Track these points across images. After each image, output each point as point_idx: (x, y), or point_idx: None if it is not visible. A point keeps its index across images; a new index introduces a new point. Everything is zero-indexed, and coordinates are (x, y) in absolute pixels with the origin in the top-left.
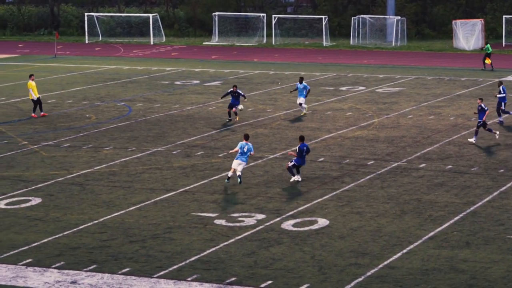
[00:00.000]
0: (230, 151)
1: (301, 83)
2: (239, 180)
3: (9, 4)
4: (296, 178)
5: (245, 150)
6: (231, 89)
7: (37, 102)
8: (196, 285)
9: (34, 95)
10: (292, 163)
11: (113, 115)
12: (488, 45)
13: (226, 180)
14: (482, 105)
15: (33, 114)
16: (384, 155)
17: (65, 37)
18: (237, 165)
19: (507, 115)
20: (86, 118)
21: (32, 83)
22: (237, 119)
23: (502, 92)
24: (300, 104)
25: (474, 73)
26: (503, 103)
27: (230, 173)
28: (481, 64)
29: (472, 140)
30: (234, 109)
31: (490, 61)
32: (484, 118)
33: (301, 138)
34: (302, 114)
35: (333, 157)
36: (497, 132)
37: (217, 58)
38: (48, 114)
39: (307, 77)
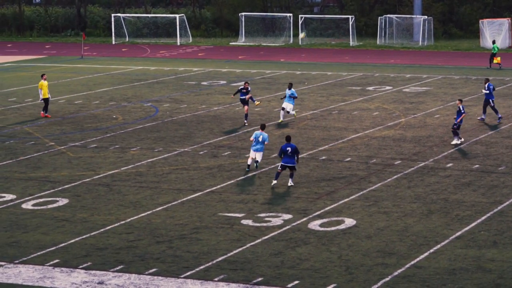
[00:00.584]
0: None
1: (289, 89)
2: (256, 164)
3: (36, 5)
4: (275, 182)
5: (260, 139)
6: (242, 87)
7: (46, 102)
8: (223, 285)
9: (42, 95)
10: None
11: (139, 116)
12: (495, 45)
13: (246, 169)
14: (461, 106)
15: (45, 114)
16: (411, 155)
17: (91, 38)
18: (254, 155)
19: (497, 115)
20: (113, 119)
21: (44, 83)
22: (257, 103)
23: (486, 89)
24: (286, 111)
25: (500, 72)
26: (491, 100)
27: (249, 161)
28: (507, 63)
29: (455, 142)
30: (246, 107)
31: (498, 59)
32: (458, 120)
33: (287, 138)
34: (280, 121)
35: (360, 157)
36: (462, 139)
37: (244, 58)
38: (75, 115)
39: (334, 77)
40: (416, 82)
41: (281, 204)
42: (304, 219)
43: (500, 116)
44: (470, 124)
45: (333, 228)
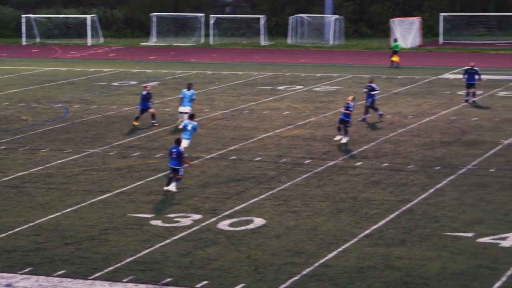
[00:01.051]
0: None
1: (188, 89)
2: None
3: None
4: (170, 188)
5: (189, 128)
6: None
7: None
8: (131, 286)
9: None
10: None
11: (49, 117)
12: (397, 43)
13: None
14: (350, 103)
15: None
16: (320, 154)
17: (1, 39)
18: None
19: (378, 113)
20: (23, 120)
21: None
22: (155, 123)
23: (367, 89)
24: (184, 113)
25: (411, 71)
26: (371, 100)
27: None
28: (417, 62)
29: (339, 138)
30: (150, 110)
31: (398, 58)
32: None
33: (176, 141)
34: (178, 124)
35: (270, 157)
36: (343, 139)
37: (155, 58)
38: None
39: (245, 77)
40: (326, 81)
41: (190, 204)
42: (214, 219)
43: (365, 118)
44: (379, 123)
45: (242, 228)
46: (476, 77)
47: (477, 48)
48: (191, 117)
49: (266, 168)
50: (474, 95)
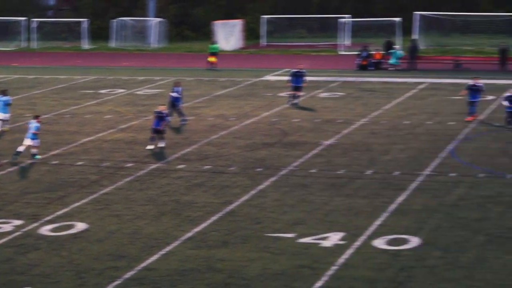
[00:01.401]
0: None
1: (4, 95)
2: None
3: None
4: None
5: (32, 127)
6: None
7: None
8: None
9: None
10: None
11: None
12: (216, 45)
13: (13, 156)
14: (164, 112)
15: None
16: (143, 157)
17: None
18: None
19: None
20: None
21: None
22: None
23: (175, 92)
24: (4, 120)
25: (233, 73)
26: (177, 103)
27: (21, 148)
28: (233, 64)
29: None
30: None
31: (215, 59)
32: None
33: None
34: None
35: (92, 161)
36: (160, 143)
37: None
38: None
39: (67, 81)
40: (148, 84)
41: (11, 210)
42: (35, 224)
43: (185, 119)
44: (201, 125)
45: (64, 233)
46: (303, 79)
47: (299, 50)
48: (35, 117)
49: (88, 172)
50: (297, 97)
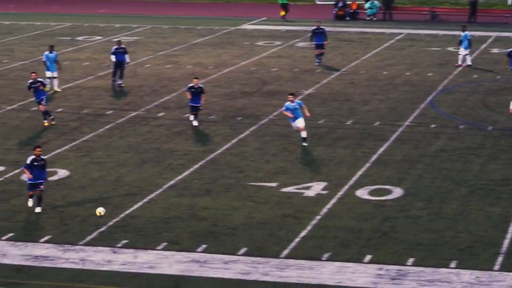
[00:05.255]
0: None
1: (51, 51)
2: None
3: None
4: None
5: (297, 106)
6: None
7: None
8: None
9: None
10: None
11: None
12: None
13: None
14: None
15: None
16: (122, 105)
17: None
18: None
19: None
20: None
21: None
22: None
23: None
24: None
25: (209, 21)
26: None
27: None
28: (215, 13)
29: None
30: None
31: (284, 12)
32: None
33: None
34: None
35: (71, 108)
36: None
37: None
38: None
39: (43, 27)
40: (126, 31)
41: None
42: (17, 171)
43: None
44: (180, 73)
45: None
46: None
47: None
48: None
49: (68, 119)
50: (321, 55)
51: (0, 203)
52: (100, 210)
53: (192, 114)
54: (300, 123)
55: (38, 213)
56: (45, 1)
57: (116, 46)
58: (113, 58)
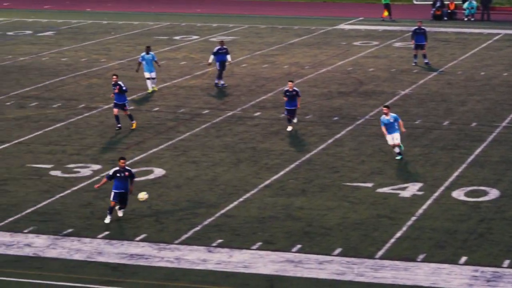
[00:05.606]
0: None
1: (148, 52)
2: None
3: None
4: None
5: (392, 120)
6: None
7: None
8: (32, 237)
9: None
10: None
11: None
12: None
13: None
14: (296, 89)
15: None
16: (219, 104)
17: None
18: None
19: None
20: None
21: None
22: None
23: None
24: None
25: (306, 21)
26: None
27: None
28: (312, 13)
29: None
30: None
31: (386, 12)
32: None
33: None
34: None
35: (168, 107)
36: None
37: (50, 8)
38: None
39: (141, 27)
40: (222, 31)
41: (89, 154)
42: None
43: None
44: (277, 73)
45: (142, 178)
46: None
47: None
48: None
49: (164, 119)
50: (425, 56)
51: (97, 201)
52: (144, 196)
53: (287, 118)
54: (395, 138)
55: (132, 210)
56: (143, 1)
57: (218, 46)
58: (211, 58)
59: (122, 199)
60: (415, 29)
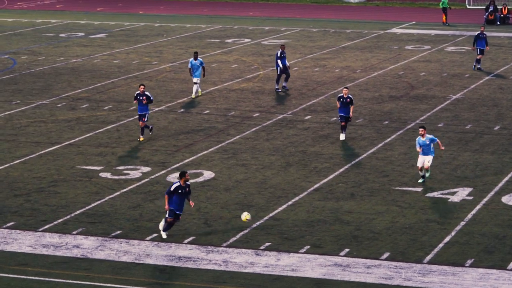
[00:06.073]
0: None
1: (196, 58)
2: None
3: None
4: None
5: (427, 142)
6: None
7: None
8: (81, 238)
9: None
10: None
11: None
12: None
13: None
14: (349, 96)
15: None
16: (269, 107)
17: None
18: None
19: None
20: None
21: None
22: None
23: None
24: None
25: (359, 25)
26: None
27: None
28: (365, 16)
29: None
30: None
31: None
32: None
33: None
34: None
35: (219, 110)
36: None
37: (102, 10)
38: None
39: (193, 29)
40: (274, 34)
41: (139, 157)
42: (163, 171)
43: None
44: (328, 76)
45: (191, 181)
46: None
47: (426, 3)
48: (423, 128)
49: (215, 121)
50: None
51: (146, 203)
52: (247, 216)
53: (341, 125)
54: (427, 160)
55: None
56: (196, 3)
57: (280, 50)
58: (279, 63)
59: (176, 216)
60: (478, 34)
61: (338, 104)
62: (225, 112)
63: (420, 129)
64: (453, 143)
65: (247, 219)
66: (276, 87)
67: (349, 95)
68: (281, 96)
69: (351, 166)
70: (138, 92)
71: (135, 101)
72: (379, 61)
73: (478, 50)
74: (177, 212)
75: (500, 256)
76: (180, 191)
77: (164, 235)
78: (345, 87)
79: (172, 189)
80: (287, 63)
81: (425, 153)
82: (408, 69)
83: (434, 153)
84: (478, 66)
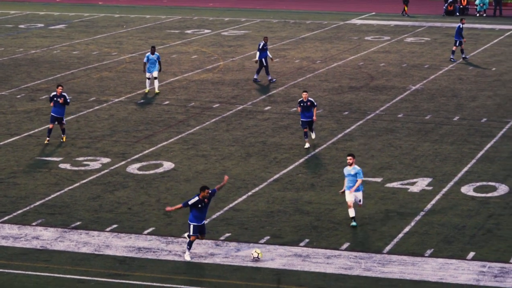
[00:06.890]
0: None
1: (153, 53)
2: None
3: None
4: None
5: (352, 173)
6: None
7: None
8: (40, 229)
9: None
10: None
11: None
12: None
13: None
14: (310, 99)
15: None
16: (229, 98)
17: None
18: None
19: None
20: None
21: None
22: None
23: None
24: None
25: (318, 16)
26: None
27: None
28: (325, 7)
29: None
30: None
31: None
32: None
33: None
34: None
35: (179, 100)
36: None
37: (62, 1)
38: None
39: (153, 20)
40: (234, 25)
41: (99, 148)
42: (123, 162)
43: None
44: (288, 67)
45: (151, 172)
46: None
47: None
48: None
49: (174, 112)
50: (453, 52)
51: (105, 194)
52: (258, 253)
53: (304, 132)
54: (358, 199)
55: (141, 203)
56: None
57: (263, 42)
58: (258, 55)
59: (201, 230)
60: (461, 26)
61: (299, 109)
62: (185, 103)
63: (348, 157)
64: (412, 134)
65: (258, 253)
66: (255, 77)
67: (309, 98)
68: (241, 87)
69: (311, 156)
70: (55, 93)
71: (51, 104)
72: (339, 51)
73: (458, 42)
74: (202, 224)
75: (460, 246)
76: (199, 205)
77: (188, 257)
78: (304, 91)
79: (190, 203)
80: (270, 55)
81: (351, 186)
82: (367, 59)
83: (362, 187)
84: (463, 56)
